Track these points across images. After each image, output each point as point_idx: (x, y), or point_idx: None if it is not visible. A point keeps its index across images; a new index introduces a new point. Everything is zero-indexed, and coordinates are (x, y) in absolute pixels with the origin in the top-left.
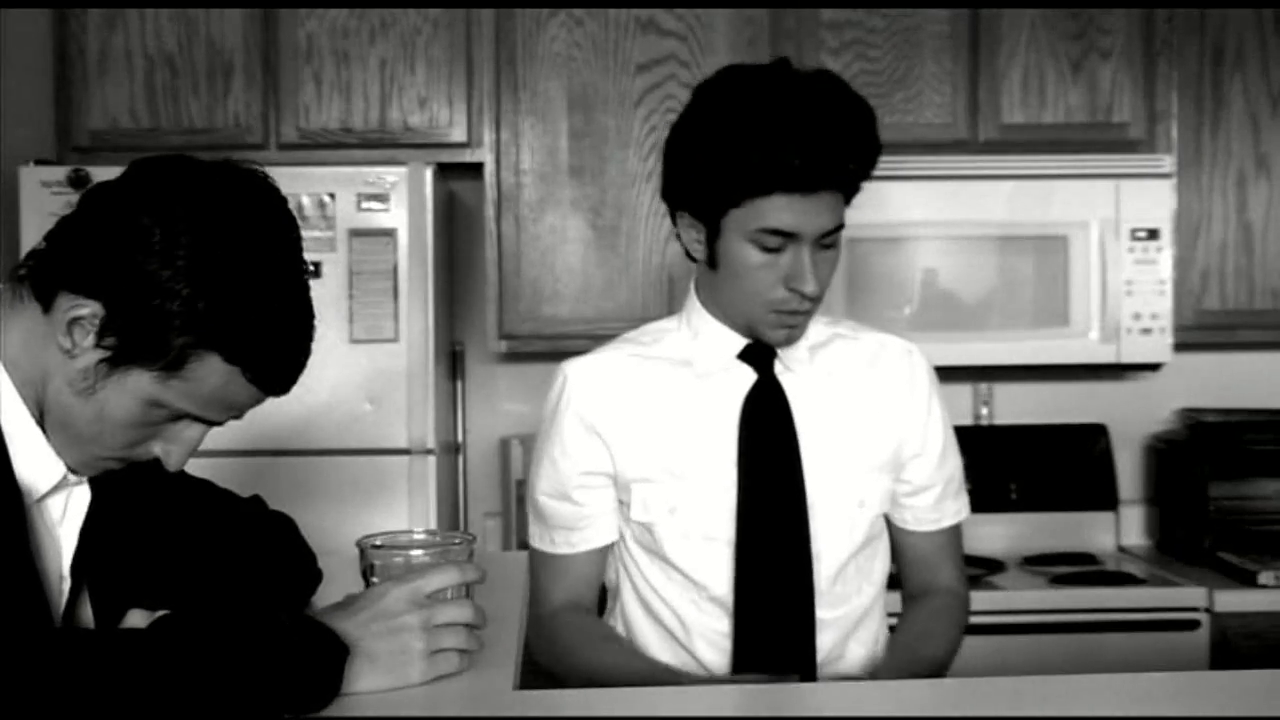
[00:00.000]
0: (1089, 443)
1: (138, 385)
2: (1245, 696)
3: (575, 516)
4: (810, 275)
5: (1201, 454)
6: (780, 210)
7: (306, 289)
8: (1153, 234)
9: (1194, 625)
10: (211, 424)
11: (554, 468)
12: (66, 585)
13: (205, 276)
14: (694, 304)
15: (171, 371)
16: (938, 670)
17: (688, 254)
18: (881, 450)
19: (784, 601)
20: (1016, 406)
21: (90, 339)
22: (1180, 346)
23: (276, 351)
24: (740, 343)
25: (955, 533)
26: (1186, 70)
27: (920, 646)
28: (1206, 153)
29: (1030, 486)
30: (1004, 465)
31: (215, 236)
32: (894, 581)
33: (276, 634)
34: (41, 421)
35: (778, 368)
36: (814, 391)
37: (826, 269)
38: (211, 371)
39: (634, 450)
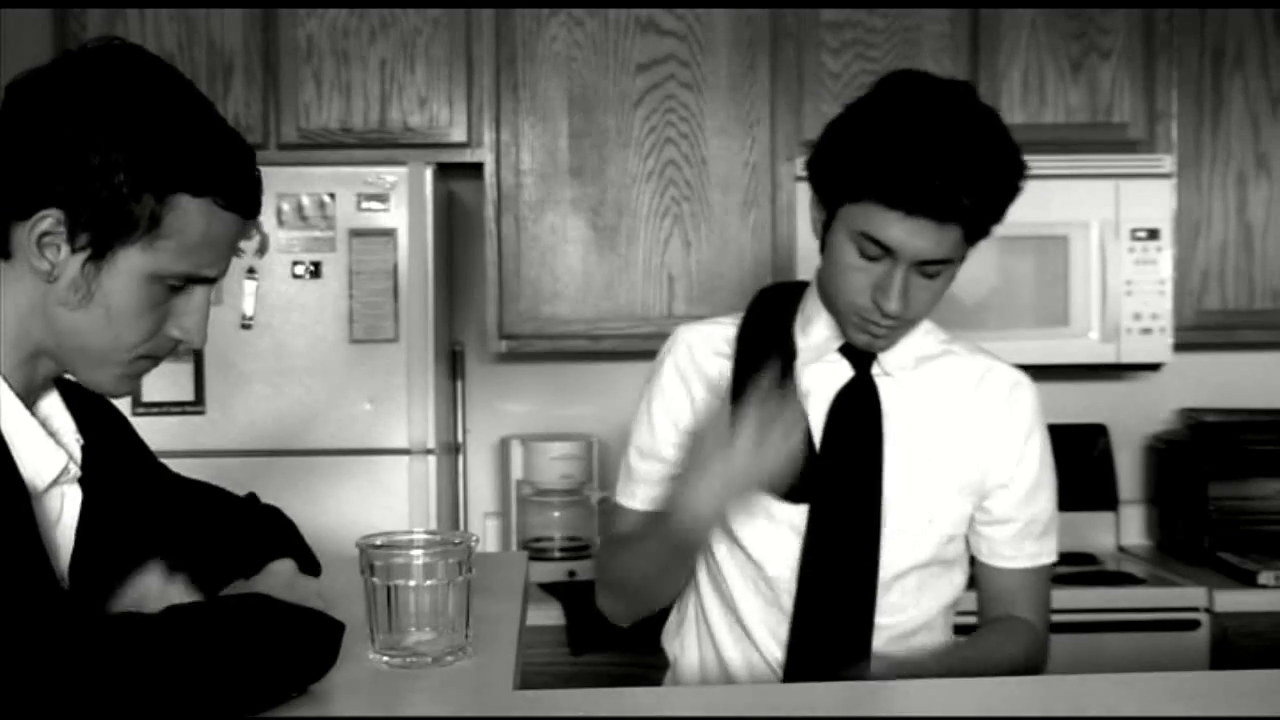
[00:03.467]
0: (1089, 443)
1: (130, 265)
2: (1245, 696)
3: (660, 474)
4: (895, 294)
5: (1201, 454)
6: (884, 222)
7: (220, 115)
8: (1153, 234)
9: (1194, 625)
10: (211, 281)
11: (649, 422)
12: (65, 586)
13: (134, 135)
14: (812, 290)
15: (154, 234)
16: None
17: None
18: (965, 473)
19: (844, 596)
20: None
21: (64, 249)
22: (1180, 346)
23: (232, 166)
24: (842, 338)
25: (1037, 576)
26: (1186, 70)
27: (969, 651)
28: (1206, 153)
29: None
30: None
31: (121, 98)
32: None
33: (275, 615)
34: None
35: (875, 370)
36: (908, 400)
37: (923, 295)
38: (188, 214)
39: None
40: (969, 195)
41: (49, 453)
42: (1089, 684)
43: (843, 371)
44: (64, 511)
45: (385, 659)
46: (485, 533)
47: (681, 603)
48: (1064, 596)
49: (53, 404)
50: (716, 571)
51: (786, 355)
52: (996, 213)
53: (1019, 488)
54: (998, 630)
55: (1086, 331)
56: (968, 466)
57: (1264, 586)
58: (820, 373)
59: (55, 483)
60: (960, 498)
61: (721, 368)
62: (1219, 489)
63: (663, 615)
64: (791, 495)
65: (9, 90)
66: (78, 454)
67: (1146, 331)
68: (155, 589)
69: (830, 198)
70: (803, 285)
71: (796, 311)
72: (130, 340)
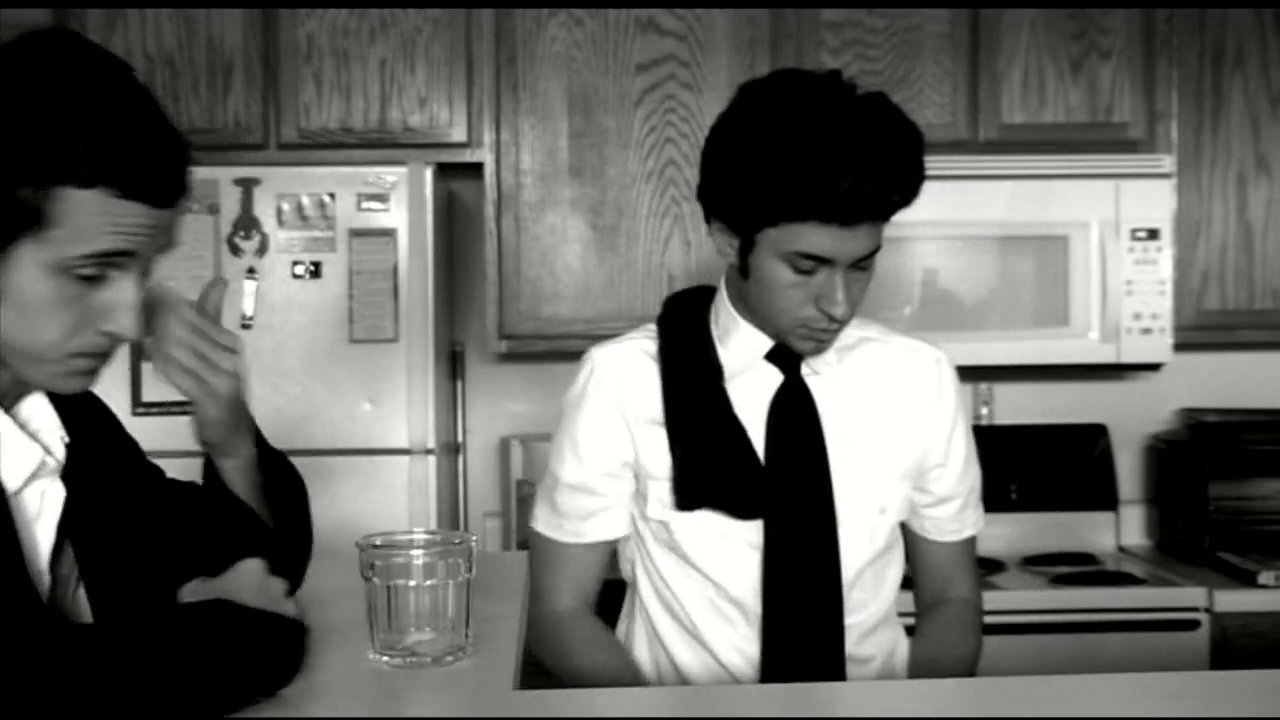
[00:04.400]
0: (1089, 443)
1: (29, 260)
2: (1245, 696)
3: (592, 506)
4: (841, 299)
5: (1201, 454)
6: (817, 237)
7: (135, 100)
8: (1153, 234)
9: (1194, 625)
10: (123, 256)
11: (576, 454)
12: (46, 581)
13: (10, 124)
14: (723, 301)
15: (44, 227)
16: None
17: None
18: (905, 457)
19: (812, 606)
20: (1016, 406)
21: None
22: (1180, 346)
23: (126, 155)
24: (767, 344)
25: (972, 543)
26: (1186, 70)
27: (941, 658)
28: (1206, 153)
29: (1030, 486)
30: (1004, 465)
31: (8, 86)
32: (906, 583)
33: (233, 621)
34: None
35: (804, 370)
36: (840, 395)
37: (859, 288)
38: (77, 205)
39: (657, 444)
40: (899, 190)
41: (23, 448)
42: (1089, 684)
43: (771, 377)
44: (44, 508)
45: (385, 659)
46: (485, 533)
47: (628, 620)
48: (1064, 596)
49: (35, 404)
50: (666, 591)
51: (712, 371)
52: (916, 193)
53: (955, 464)
54: (939, 623)
55: (1086, 331)
56: (906, 450)
57: (1264, 586)
58: (749, 383)
59: (33, 478)
60: (903, 482)
61: (646, 387)
62: (1219, 489)
63: None
64: (744, 512)
65: None
66: (59, 451)
67: (1146, 331)
68: (255, 581)
69: (746, 224)
70: (710, 291)
71: (710, 324)
72: (52, 337)
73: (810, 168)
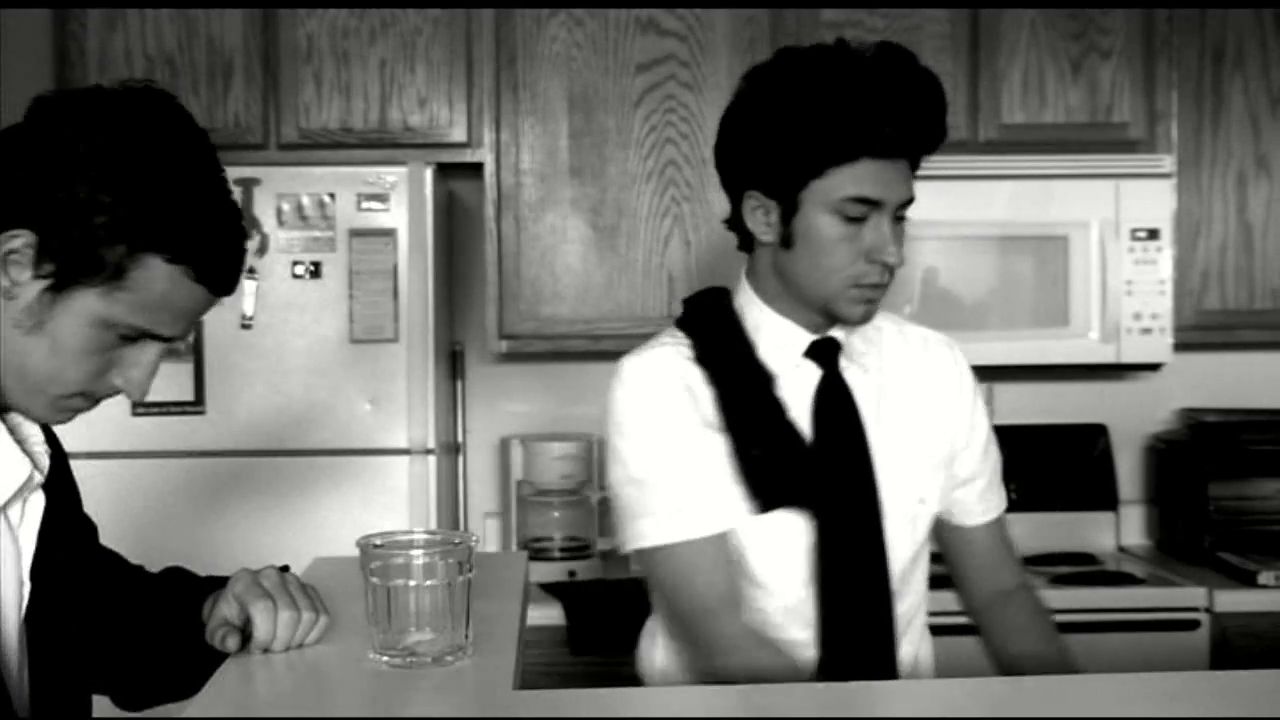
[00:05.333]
0: (1089, 443)
1: (84, 306)
2: (1245, 696)
3: (696, 492)
4: (894, 242)
5: (1201, 454)
6: (866, 178)
7: (228, 188)
8: (1153, 234)
9: (1194, 625)
10: (166, 340)
11: (653, 448)
12: (27, 589)
13: (127, 183)
14: (749, 298)
15: (115, 284)
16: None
17: (741, 244)
18: (938, 446)
19: (864, 599)
20: (1016, 406)
21: (28, 271)
22: (1180, 346)
23: (212, 244)
24: (804, 340)
25: (1003, 525)
26: (1186, 70)
27: (1061, 645)
28: (1206, 153)
29: (1030, 486)
30: (1004, 465)
31: (129, 144)
32: (935, 581)
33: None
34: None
35: (841, 363)
36: (874, 387)
37: (901, 242)
38: (154, 276)
39: (713, 449)
40: (937, 122)
41: (15, 461)
42: (1089, 684)
43: (810, 374)
44: (26, 513)
45: (385, 659)
46: (485, 533)
47: (653, 634)
48: (1064, 596)
49: (19, 415)
50: None
51: (763, 375)
52: (944, 136)
53: (977, 444)
54: (1023, 614)
55: (1086, 331)
56: (938, 439)
57: (1264, 586)
58: (790, 382)
59: (19, 491)
60: (938, 472)
61: (695, 393)
62: (1219, 489)
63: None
64: (795, 501)
65: (36, 100)
66: (44, 463)
67: (1146, 331)
68: (246, 575)
69: (788, 184)
70: (724, 292)
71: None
72: (72, 379)
73: (855, 106)
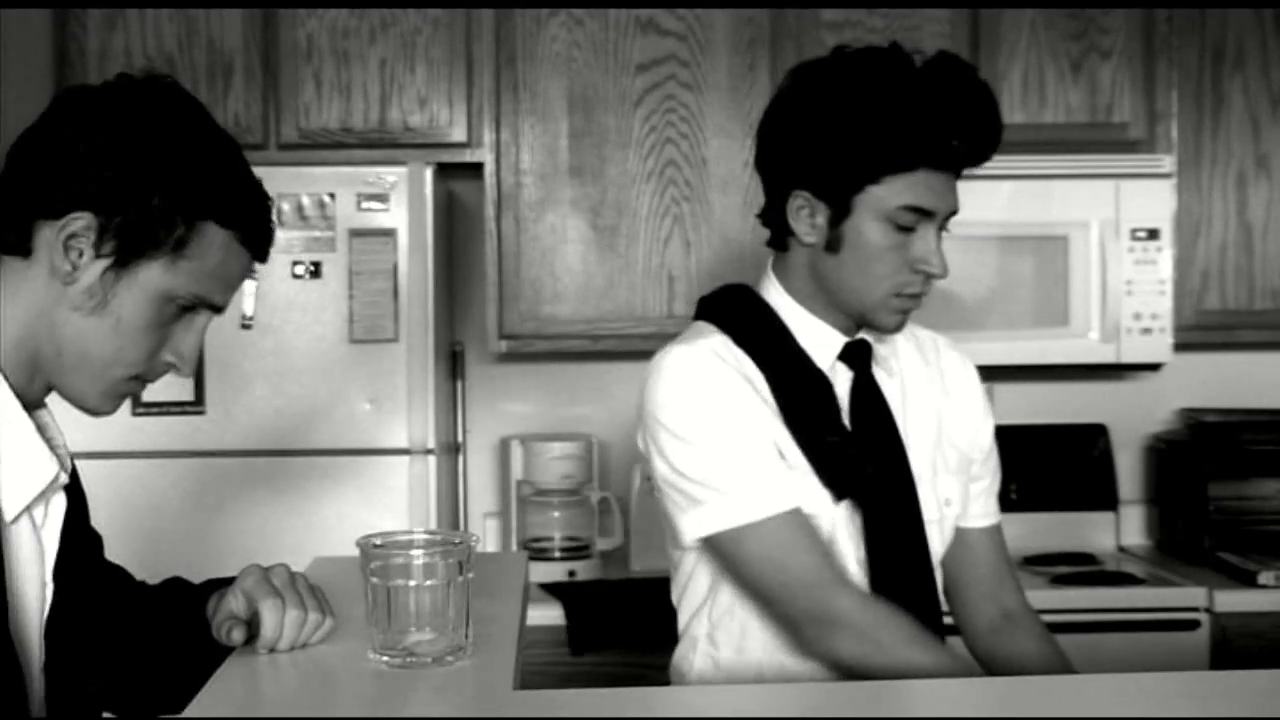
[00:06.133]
0: (1089, 443)
1: (149, 279)
2: (1245, 696)
3: (773, 467)
4: (940, 254)
5: (1201, 454)
6: (923, 188)
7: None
8: (1153, 234)
9: (1194, 625)
10: (217, 310)
11: (718, 431)
12: (50, 590)
13: (176, 156)
14: (780, 297)
15: (179, 253)
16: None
17: (773, 241)
18: (958, 447)
19: (913, 596)
20: (1016, 406)
21: (89, 253)
22: (1180, 346)
23: (255, 208)
24: (838, 342)
25: (1001, 533)
26: (1186, 70)
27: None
28: (1206, 153)
29: (1030, 486)
30: (1004, 465)
31: (170, 122)
32: None
33: None
34: (41, 394)
35: (874, 367)
36: (899, 391)
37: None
38: (211, 243)
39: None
40: (995, 137)
41: (43, 460)
42: (1089, 684)
43: (843, 376)
44: (49, 514)
45: (385, 659)
46: (485, 533)
47: (697, 616)
48: (1064, 596)
49: (48, 414)
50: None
51: (808, 363)
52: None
53: (985, 445)
54: (1034, 641)
55: (1086, 331)
56: (957, 440)
57: (1264, 586)
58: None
59: (45, 491)
60: (959, 475)
61: (750, 377)
62: (1219, 489)
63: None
64: (847, 491)
65: (60, 96)
66: (68, 464)
67: (1146, 331)
68: (257, 571)
69: (846, 187)
70: (748, 290)
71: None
72: (132, 355)
73: (920, 116)
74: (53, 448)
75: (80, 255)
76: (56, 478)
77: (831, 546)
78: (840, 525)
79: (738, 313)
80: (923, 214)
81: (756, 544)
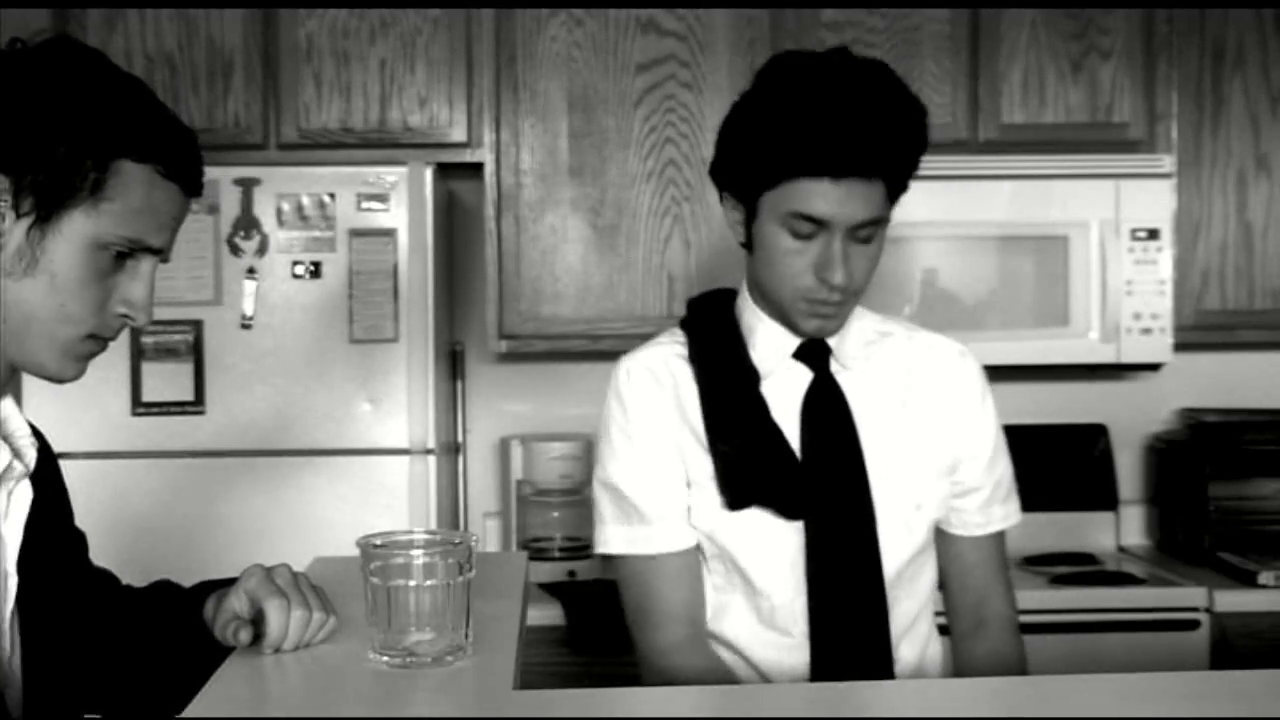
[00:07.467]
0: (1089, 443)
1: (74, 230)
2: (1245, 696)
3: (673, 507)
4: (838, 266)
5: (1201, 454)
6: (811, 195)
7: (159, 99)
8: (1153, 234)
9: (1194, 625)
10: (156, 252)
11: (636, 458)
12: (13, 582)
13: (78, 102)
14: (745, 300)
15: (97, 197)
16: None
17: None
18: (939, 454)
19: (857, 605)
20: (1016, 406)
21: (9, 215)
22: (1180, 346)
23: (170, 137)
24: (794, 341)
25: (1000, 541)
26: (1186, 70)
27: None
28: (1206, 153)
29: (1030, 486)
30: None
31: (71, 71)
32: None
33: None
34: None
35: (833, 366)
36: (870, 391)
37: (862, 263)
38: (131, 180)
39: (698, 451)
40: (884, 144)
41: None
42: (1089, 684)
43: (802, 376)
44: (12, 506)
45: (385, 659)
46: (485, 533)
47: None
48: (1064, 596)
49: (10, 406)
50: (710, 596)
51: (748, 372)
52: (914, 160)
53: (983, 455)
54: (983, 664)
55: (1086, 331)
56: (938, 446)
57: (1264, 586)
58: (780, 383)
59: (1, 480)
60: (939, 480)
61: (683, 393)
62: (1219, 489)
63: None
64: (790, 510)
65: None
66: (29, 456)
67: (1146, 331)
68: (259, 572)
69: (748, 190)
70: (731, 294)
71: (738, 325)
72: (76, 311)
73: (799, 122)
74: (10, 439)
75: (2, 219)
76: (10, 467)
77: (763, 555)
78: (774, 529)
79: (702, 319)
80: (816, 223)
81: (624, 575)
